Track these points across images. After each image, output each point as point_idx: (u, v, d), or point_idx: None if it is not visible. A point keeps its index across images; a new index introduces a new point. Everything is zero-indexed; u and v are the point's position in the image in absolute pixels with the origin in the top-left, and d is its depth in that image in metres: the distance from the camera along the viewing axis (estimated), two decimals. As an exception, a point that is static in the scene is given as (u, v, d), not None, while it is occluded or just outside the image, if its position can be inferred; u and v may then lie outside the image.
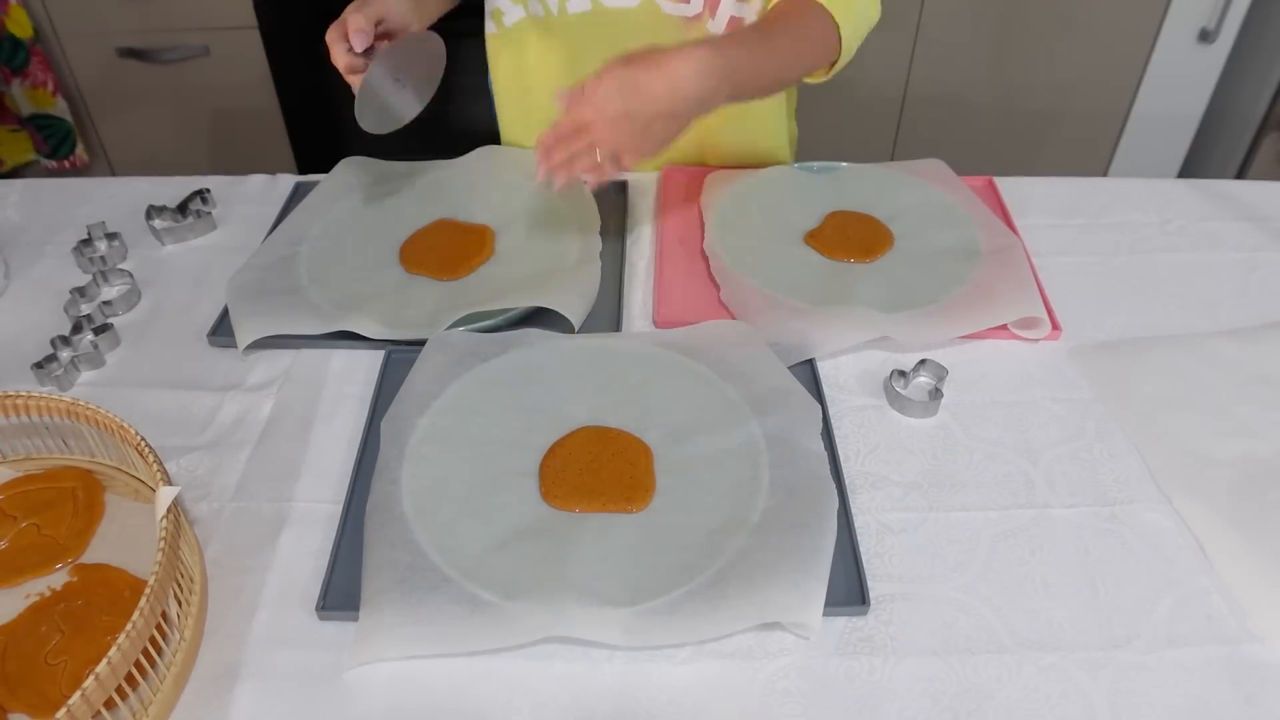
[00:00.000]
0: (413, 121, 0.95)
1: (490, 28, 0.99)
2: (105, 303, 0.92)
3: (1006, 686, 0.63)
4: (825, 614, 0.65)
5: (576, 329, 0.87)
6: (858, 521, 0.72)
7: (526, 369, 0.83)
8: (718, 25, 0.96)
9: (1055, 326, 0.88)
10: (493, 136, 1.18)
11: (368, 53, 0.86)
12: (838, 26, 0.83)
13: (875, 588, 0.68)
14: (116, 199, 1.07)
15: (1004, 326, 0.88)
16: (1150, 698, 0.62)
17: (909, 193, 1.04)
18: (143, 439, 0.68)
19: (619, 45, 0.77)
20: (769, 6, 0.87)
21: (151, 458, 0.67)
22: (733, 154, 1.10)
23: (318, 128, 1.91)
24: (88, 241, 0.99)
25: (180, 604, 0.64)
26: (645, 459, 0.75)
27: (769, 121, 1.10)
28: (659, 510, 0.72)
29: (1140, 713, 0.61)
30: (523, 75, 1.02)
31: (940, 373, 0.83)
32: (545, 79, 1.00)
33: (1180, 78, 1.87)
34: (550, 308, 0.87)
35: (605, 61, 0.74)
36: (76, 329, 0.88)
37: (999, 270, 0.93)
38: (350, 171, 1.07)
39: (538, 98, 1.02)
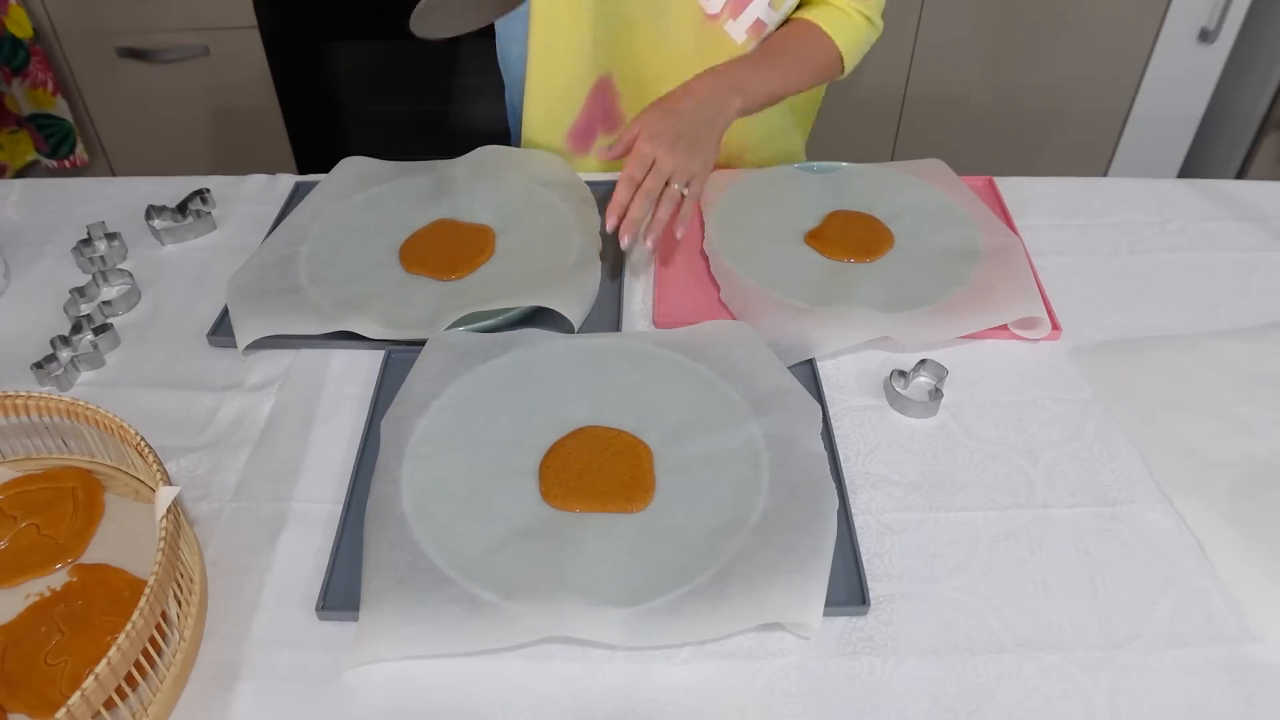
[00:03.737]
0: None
1: None
2: (105, 303, 0.92)
3: (1006, 686, 0.63)
4: (825, 614, 0.65)
5: (576, 329, 0.87)
6: (858, 521, 0.72)
7: (526, 369, 0.83)
8: (738, 29, 0.96)
9: (1055, 326, 0.88)
10: (495, 136, 1.18)
11: None
12: (839, 49, 0.94)
13: (875, 588, 0.68)
14: (116, 199, 1.07)
15: (1004, 326, 0.88)
16: (1150, 698, 0.62)
17: (909, 193, 1.04)
18: (142, 439, 0.68)
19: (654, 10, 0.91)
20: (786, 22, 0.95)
21: (151, 458, 0.67)
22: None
23: (318, 128, 1.91)
24: (87, 241, 0.99)
25: (180, 604, 0.64)
26: (645, 459, 0.74)
27: (785, 144, 1.15)
28: (659, 510, 0.72)
29: (1140, 713, 0.61)
30: (553, 21, 1.00)
31: (940, 373, 0.83)
32: (578, 27, 0.99)
33: (1180, 78, 1.87)
34: (550, 308, 0.87)
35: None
36: (76, 329, 0.88)
37: (999, 270, 0.93)
38: (350, 171, 1.07)
39: (567, 40, 1.00)
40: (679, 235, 0.82)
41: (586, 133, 1.10)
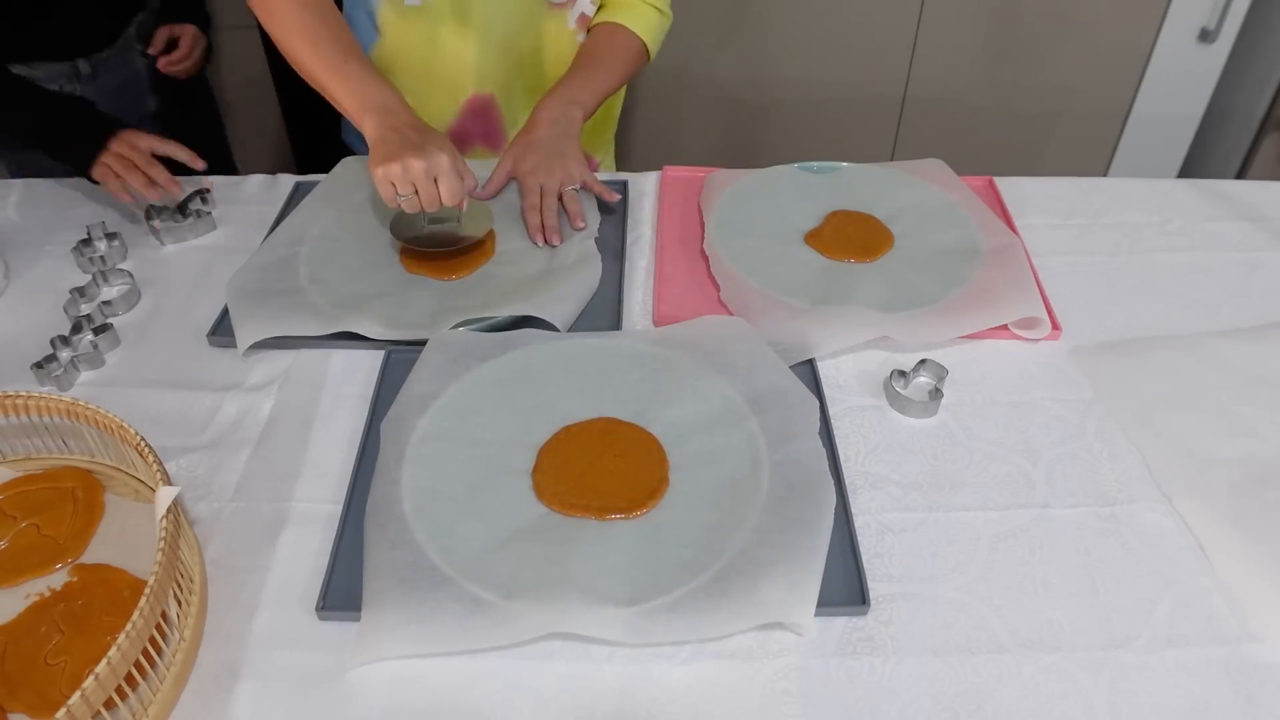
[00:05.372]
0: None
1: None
2: (105, 303, 0.92)
3: (1006, 686, 0.63)
4: (825, 614, 0.65)
5: (563, 330, 0.87)
6: (858, 521, 0.72)
7: (526, 369, 0.83)
8: (571, 18, 1.09)
9: (1055, 326, 0.88)
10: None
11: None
12: (644, 41, 1.09)
13: (875, 588, 0.68)
14: (116, 199, 1.07)
15: (1004, 326, 0.88)
16: (1150, 698, 0.62)
17: (909, 193, 1.04)
18: (142, 439, 0.68)
19: (508, 21, 1.06)
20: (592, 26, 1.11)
21: (151, 458, 0.67)
22: None
23: (318, 128, 1.90)
24: (87, 241, 0.99)
25: (180, 604, 0.64)
26: (658, 458, 0.74)
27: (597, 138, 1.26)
28: (660, 508, 0.72)
29: (1140, 713, 0.61)
30: (433, 51, 1.08)
31: (940, 373, 0.83)
32: (453, 55, 1.08)
33: (1180, 78, 1.87)
34: (537, 315, 0.87)
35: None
36: (76, 329, 0.88)
37: (999, 270, 0.93)
38: (350, 171, 1.07)
39: (441, 71, 1.09)
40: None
41: (463, 139, 1.16)
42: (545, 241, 0.96)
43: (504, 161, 1.03)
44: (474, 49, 1.08)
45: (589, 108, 1.05)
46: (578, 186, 0.99)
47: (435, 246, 0.93)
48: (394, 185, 0.86)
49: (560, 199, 0.98)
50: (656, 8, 1.10)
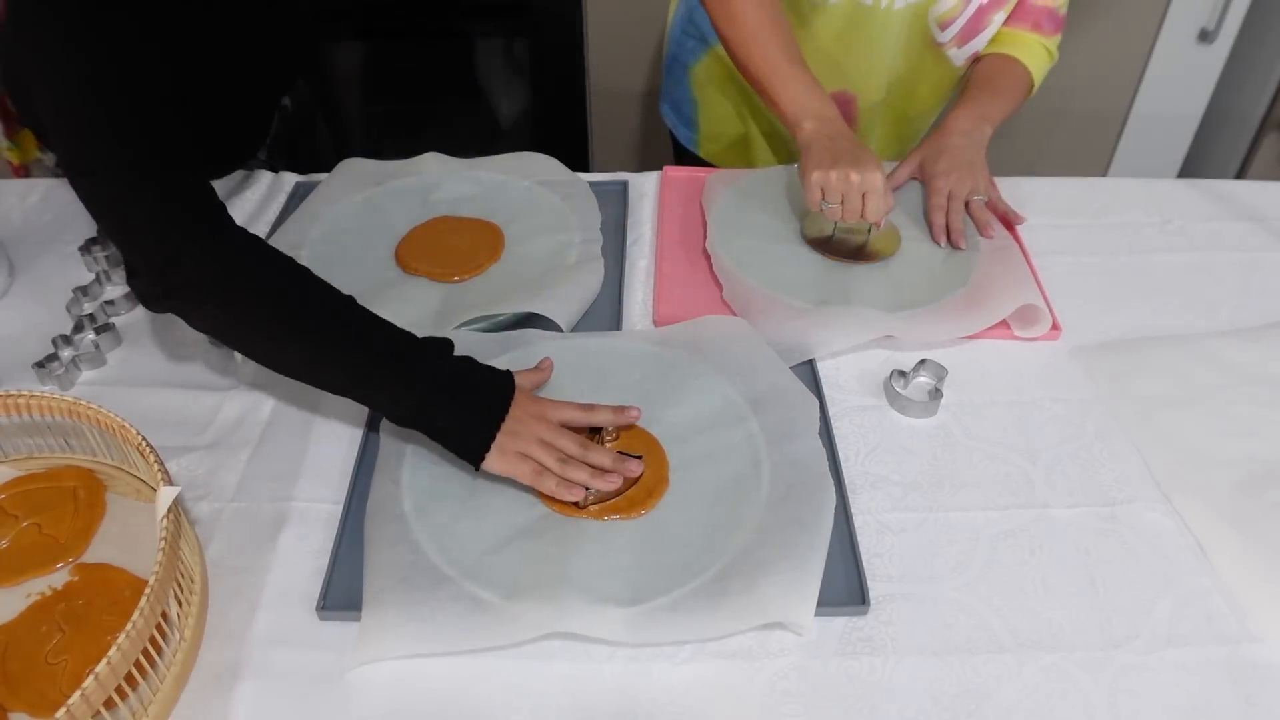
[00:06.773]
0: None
1: None
2: (108, 302, 0.92)
3: (1006, 686, 0.63)
4: (825, 614, 0.65)
5: (566, 330, 0.87)
6: (858, 521, 0.72)
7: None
8: (960, 56, 1.09)
9: (1055, 326, 0.88)
10: (496, 136, 1.18)
11: None
12: (1032, 78, 1.09)
13: (875, 588, 0.68)
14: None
15: (1004, 325, 0.88)
16: (1150, 698, 0.62)
17: (909, 192, 1.04)
18: (144, 438, 0.68)
19: (896, 37, 1.07)
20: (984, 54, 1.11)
21: (152, 457, 0.67)
22: None
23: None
24: (96, 240, 0.99)
25: (180, 604, 0.64)
26: (658, 458, 0.74)
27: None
28: (660, 508, 0.72)
29: (1140, 713, 0.61)
30: (823, 51, 1.08)
31: (940, 373, 0.83)
32: (828, 52, 1.08)
33: (1180, 78, 1.87)
34: (542, 313, 0.87)
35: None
36: (78, 328, 0.88)
37: (998, 269, 0.93)
38: (350, 173, 1.07)
39: (814, 63, 1.06)
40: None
41: None
42: (949, 242, 0.97)
43: (911, 159, 1.05)
44: (857, 52, 1.08)
45: (996, 125, 1.07)
46: (984, 198, 1.01)
47: (840, 253, 0.95)
48: (823, 191, 0.89)
49: (967, 207, 1.00)
50: (1049, 50, 1.10)
